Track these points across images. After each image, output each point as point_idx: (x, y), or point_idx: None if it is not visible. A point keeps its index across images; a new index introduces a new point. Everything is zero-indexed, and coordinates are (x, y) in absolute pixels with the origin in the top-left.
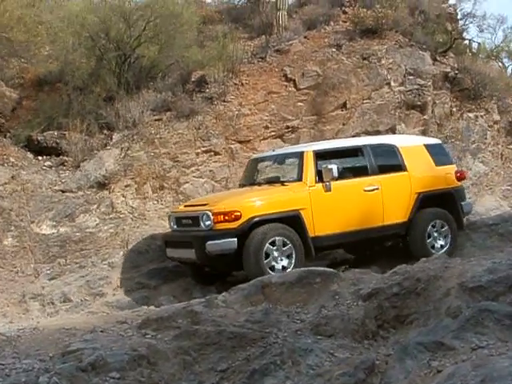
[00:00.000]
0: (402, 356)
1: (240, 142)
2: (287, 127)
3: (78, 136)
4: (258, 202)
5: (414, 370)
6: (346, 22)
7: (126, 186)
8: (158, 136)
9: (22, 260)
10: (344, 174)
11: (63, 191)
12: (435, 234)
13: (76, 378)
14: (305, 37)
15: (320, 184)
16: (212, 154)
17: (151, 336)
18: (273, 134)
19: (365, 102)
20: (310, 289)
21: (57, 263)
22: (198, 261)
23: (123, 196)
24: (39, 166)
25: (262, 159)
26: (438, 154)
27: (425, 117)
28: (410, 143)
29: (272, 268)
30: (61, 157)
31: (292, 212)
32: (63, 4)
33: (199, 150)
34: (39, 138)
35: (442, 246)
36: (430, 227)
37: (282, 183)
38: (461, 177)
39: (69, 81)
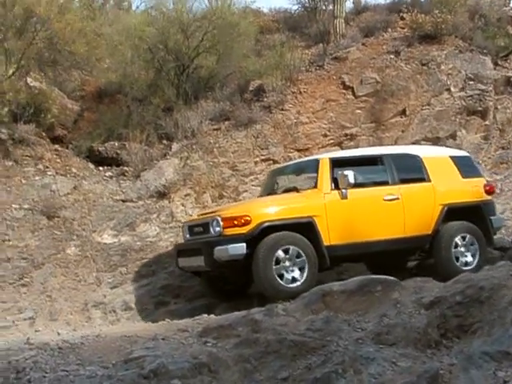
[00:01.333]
0: (466, 365)
1: (298, 151)
2: (346, 135)
3: (138, 146)
4: (268, 207)
5: (479, 380)
6: (403, 28)
7: (185, 196)
8: (216, 145)
9: (85, 269)
10: (363, 182)
11: (124, 201)
12: (462, 249)
13: None
14: (362, 44)
15: (336, 191)
16: (271, 162)
17: (212, 344)
18: (331, 141)
19: (424, 108)
20: (371, 297)
21: (118, 272)
22: (207, 268)
23: (183, 205)
24: (100, 176)
25: (281, 170)
26: (466, 166)
27: (486, 122)
28: (434, 154)
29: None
30: (121, 167)
31: (305, 219)
32: (122, 17)
33: (258, 159)
34: (100, 149)
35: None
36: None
37: (298, 191)
38: (490, 190)
39: (128, 92)
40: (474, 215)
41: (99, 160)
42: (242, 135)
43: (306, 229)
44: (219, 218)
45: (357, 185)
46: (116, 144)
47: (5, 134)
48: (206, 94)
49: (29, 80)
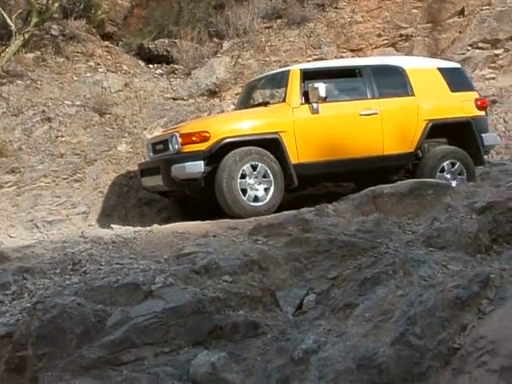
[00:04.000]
0: None
1: (352, 51)
2: (401, 35)
3: (189, 44)
4: (230, 123)
5: None
6: None
7: (236, 94)
8: (268, 44)
9: (135, 166)
10: (337, 96)
11: (174, 99)
12: (447, 176)
13: (190, 280)
14: None
15: (306, 106)
16: None
17: (262, 242)
18: (385, 42)
19: (484, 8)
20: (422, 200)
21: None
22: (166, 187)
23: (233, 104)
24: (151, 73)
25: (255, 83)
26: (456, 79)
27: None
28: (420, 66)
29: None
30: (171, 65)
31: (270, 135)
32: None
33: (310, 59)
34: (150, 46)
35: None
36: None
37: (266, 105)
38: (482, 105)
39: None
40: (463, 132)
41: (149, 57)
42: (294, 34)
43: (271, 146)
44: (177, 135)
45: (330, 99)
46: (166, 41)
47: (56, 30)
48: None
49: None
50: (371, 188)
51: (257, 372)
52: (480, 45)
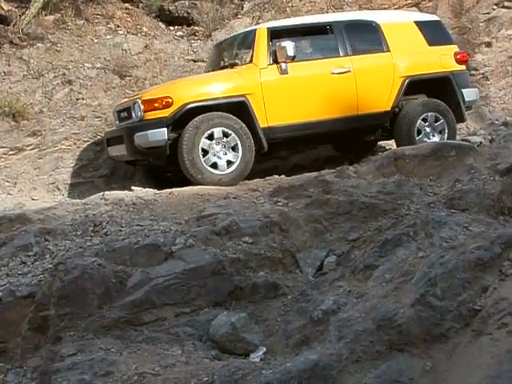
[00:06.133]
0: None
1: None
2: None
3: (209, 5)
4: (194, 87)
5: None
6: None
7: None
8: (289, 4)
9: None
10: (307, 55)
11: (195, 61)
12: (427, 130)
13: (211, 241)
14: None
15: (274, 66)
16: None
17: (283, 204)
18: (409, 2)
19: None
20: (444, 162)
21: None
22: (131, 157)
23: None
24: (171, 35)
25: (224, 44)
26: (434, 33)
27: None
28: (395, 20)
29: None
30: (192, 27)
31: (236, 97)
32: None
33: None
34: (170, 8)
35: None
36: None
37: (233, 67)
38: (462, 59)
39: None
40: (442, 88)
41: (170, 19)
42: None
43: (238, 110)
44: (139, 101)
45: (300, 58)
46: (187, 3)
47: None
48: None
49: None
50: (393, 149)
51: (276, 332)
52: (506, 4)
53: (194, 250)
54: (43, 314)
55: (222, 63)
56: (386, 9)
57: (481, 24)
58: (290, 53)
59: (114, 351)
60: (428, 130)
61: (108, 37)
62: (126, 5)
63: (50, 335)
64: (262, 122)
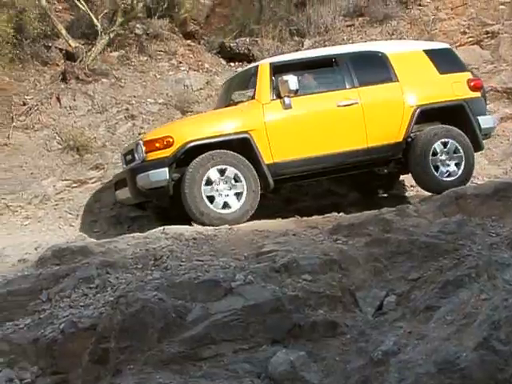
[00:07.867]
0: None
1: None
2: (486, 32)
3: (270, 42)
4: (194, 126)
5: None
6: None
7: None
8: (350, 42)
9: None
10: (312, 88)
11: None
12: (442, 157)
13: (270, 278)
14: None
15: (278, 101)
16: None
17: (342, 242)
18: (470, 39)
19: None
20: (507, 202)
21: None
22: (135, 199)
23: None
24: (232, 72)
25: (231, 81)
26: (444, 61)
27: None
28: (403, 49)
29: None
30: (253, 63)
31: (239, 134)
32: None
33: None
34: (231, 45)
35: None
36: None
37: (237, 104)
38: (476, 86)
39: None
40: (456, 116)
41: (230, 56)
42: (376, 32)
43: (242, 147)
44: (141, 143)
45: (304, 91)
46: (248, 40)
47: (140, 29)
48: None
49: None
50: (454, 189)
51: (335, 372)
52: None
53: (254, 287)
54: (104, 346)
55: (228, 100)
56: None
57: None
58: (293, 86)
59: None
60: (444, 157)
61: (170, 73)
62: (188, 41)
63: (110, 367)
64: (267, 158)
